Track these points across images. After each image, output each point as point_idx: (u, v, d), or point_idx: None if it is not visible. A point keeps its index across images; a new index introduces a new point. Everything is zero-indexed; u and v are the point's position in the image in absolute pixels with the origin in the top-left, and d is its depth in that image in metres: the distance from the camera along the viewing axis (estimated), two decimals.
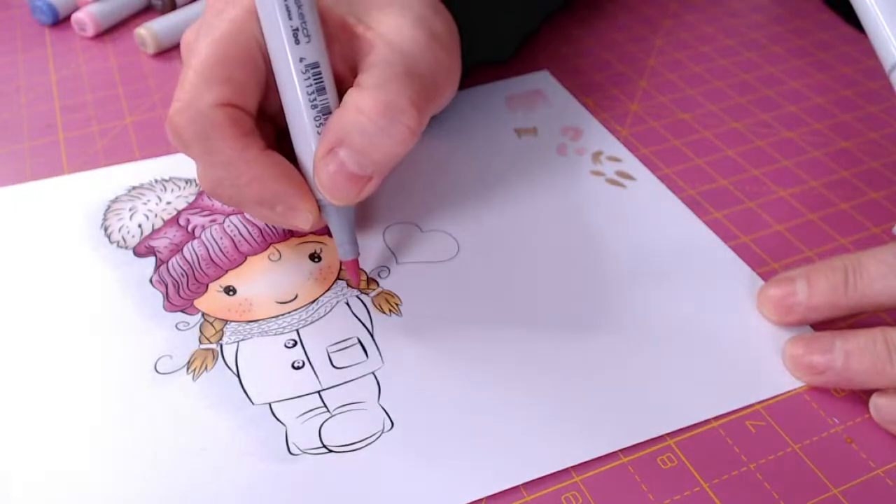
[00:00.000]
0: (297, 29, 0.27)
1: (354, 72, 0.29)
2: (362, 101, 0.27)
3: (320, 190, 0.28)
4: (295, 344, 0.30)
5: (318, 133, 0.28)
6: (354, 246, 0.31)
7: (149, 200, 0.36)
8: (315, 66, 0.27)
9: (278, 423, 0.27)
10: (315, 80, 0.27)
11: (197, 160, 0.29)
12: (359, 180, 0.28)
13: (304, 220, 0.29)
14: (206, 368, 0.29)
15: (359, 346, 0.30)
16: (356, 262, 0.31)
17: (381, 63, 0.28)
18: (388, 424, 0.27)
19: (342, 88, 0.28)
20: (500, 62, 0.43)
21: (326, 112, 0.28)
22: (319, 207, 0.29)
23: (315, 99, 0.28)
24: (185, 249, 0.33)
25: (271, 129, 0.31)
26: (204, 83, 0.27)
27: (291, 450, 0.27)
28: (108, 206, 0.36)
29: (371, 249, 0.34)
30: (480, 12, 0.37)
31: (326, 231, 0.34)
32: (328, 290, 0.32)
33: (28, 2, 0.49)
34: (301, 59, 0.27)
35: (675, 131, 0.41)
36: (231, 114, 0.28)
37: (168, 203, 0.36)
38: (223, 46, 0.28)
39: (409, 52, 0.29)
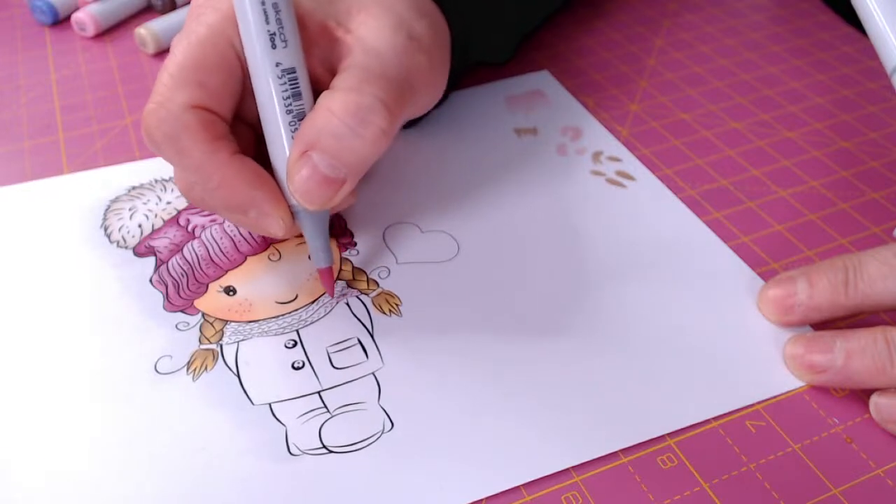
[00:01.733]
0: (274, 34, 0.27)
1: (334, 75, 0.29)
2: (333, 103, 0.27)
3: (294, 195, 0.28)
4: (295, 344, 0.30)
5: (293, 138, 0.28)
6: (328, 253, 0.30)
7: (149, 200, 0.36)
8: (291, 71, 0.27)
9: (278, 423, 0.27)
10: (291, 85, 0.27)
11: (169, 162, 0.29)
12: (332, 184, 0.28)
13: (276, 226, 0.29)
14: (206, 369, 0.29)
15: (359, 346, 0.30)
16: (330, 270, 0.31)
17: (356, 66, 0.28)
18: (388, 425, 0.27)
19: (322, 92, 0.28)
20: (499, 64, 0.43)
21: (301, 117, 0.28)
22: (293, 213, 0.29)
23: (290, 104, 0.28)
24: (185, 249, 0.33)
25: (251, 135, 0.31)
26: (176, 85, 0.27)
27: (291, 450, 0.27)
28: (108, 206, 0.36)
29: (371, 249, 0.34)
30: (479, 14, 0.37)
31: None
32: None
33: (28, 2, 0.49)
34: (277, 64, 0.27)
35: (675, 131, 0.41)
36: (202, 116, 0.28)
37: (168, 203, 0.36)
38: (199, 50, 0.28)
39: (385, 54, 0.29)
